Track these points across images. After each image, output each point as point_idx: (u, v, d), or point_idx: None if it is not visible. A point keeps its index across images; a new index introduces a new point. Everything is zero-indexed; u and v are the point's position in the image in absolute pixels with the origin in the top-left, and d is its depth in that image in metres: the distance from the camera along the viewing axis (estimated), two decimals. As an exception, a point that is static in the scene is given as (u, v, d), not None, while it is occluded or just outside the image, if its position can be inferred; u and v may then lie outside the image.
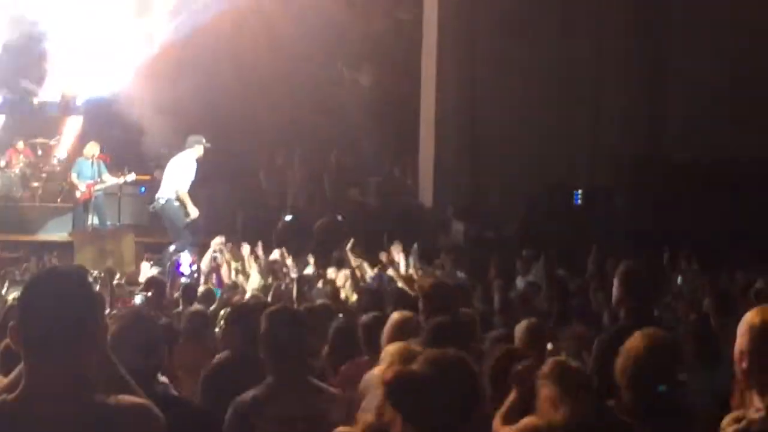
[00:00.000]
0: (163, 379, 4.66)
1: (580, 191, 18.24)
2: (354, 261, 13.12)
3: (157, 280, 11.33)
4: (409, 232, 16.31)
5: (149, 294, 10.57)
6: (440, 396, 3.40)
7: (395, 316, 6.17)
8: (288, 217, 18.84)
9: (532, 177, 18.30)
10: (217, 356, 6.25)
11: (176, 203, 16.07)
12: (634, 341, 4.39)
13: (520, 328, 6.24)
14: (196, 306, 9.13)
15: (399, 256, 13.66)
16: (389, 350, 5.02)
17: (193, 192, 16.82)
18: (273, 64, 19.88)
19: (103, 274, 12.75)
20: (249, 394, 4.87)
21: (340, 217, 18.55)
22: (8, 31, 20.43)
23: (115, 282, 12.81)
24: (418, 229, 17.10)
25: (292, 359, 4.89)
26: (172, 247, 16.20)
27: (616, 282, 5.81)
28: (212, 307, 9.98)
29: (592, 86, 18.74)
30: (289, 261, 13.79)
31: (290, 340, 4.91)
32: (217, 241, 14.76)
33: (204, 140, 16.25)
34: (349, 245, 13.43)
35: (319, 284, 12.22)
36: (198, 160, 16.19)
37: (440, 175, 19.28)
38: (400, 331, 5.86)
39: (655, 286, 5.97)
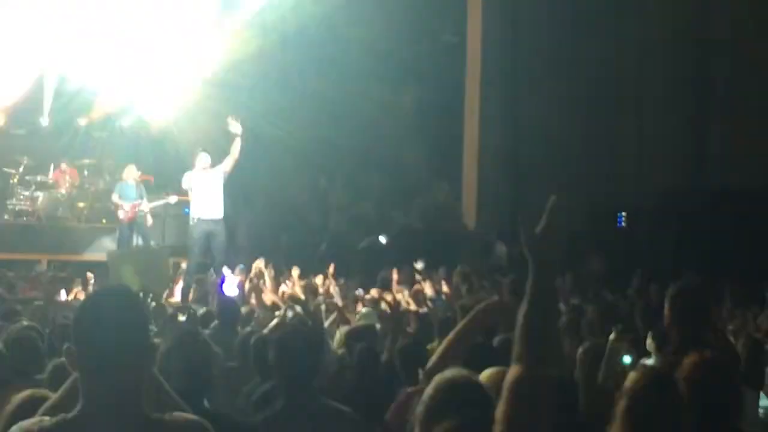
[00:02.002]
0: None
1: (624, 214, 18.12)
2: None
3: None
4: (453, 253, 16.30)
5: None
6: None
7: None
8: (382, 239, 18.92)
9: (576, 199, 18.18)
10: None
11: (191, 223, 16.36)
12: (689, 365, 4.34)
13: None
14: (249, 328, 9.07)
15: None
16: None
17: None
18: (317, 87, 19.97)
19: (141, 294, 12.74)
20: (258, 417, 4.88)
21: (383, 239, 18.57)
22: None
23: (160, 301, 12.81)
24: (461, 251, 17.08)
25: (301, 382, 4.87)
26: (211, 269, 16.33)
27: (666, 304, 5.74)
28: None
29: (637, 110, 18.62)
30: (332, 283, 13.82)
31: (299, 363, 4.90)
32: (257, 264, 14.86)
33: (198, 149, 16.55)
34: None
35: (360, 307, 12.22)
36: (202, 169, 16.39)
37: (484, 196, 19.23)
38: None
39: (705, 309, 5.90)
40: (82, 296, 13.62)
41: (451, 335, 4.14)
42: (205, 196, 16.39)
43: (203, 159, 16.48)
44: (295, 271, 14.84)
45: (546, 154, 18.67)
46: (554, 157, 18.51)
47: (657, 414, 3.72)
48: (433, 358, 4.09)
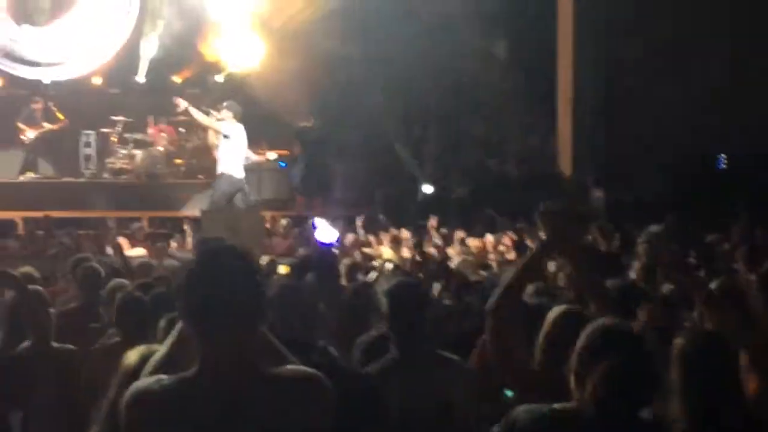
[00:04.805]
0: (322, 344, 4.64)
1: (723, 156, 17.76)
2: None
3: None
4: (549, 200, 16.15)
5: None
6: None
7: None
8: (427, 189, 18.86)
9: (672, 142, 17.89)
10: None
11: (225, 174, 16.11)
12: None
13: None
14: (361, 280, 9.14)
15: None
16: None
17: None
18: (408, 37, 19.85)
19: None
20: (376, 368, 4.89)
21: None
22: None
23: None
24: (557, 197, 16.93)
25: (414, 333, 4.88)
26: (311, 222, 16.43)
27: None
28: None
29: (733, 49, 18.13)
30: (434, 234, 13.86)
31: (411, 314, 4.90)
32: (362, 219, 14.90)
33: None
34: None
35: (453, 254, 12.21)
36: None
37: (578, 142, 19.03)
38: None
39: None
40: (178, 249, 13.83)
41: (509, 276, 4.16)
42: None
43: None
44: (405, 233, 14.79)
45: (641, 97, 18.36)
46: (649, 99, 18.19)
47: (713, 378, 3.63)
48: (492, 299, 4.14)
